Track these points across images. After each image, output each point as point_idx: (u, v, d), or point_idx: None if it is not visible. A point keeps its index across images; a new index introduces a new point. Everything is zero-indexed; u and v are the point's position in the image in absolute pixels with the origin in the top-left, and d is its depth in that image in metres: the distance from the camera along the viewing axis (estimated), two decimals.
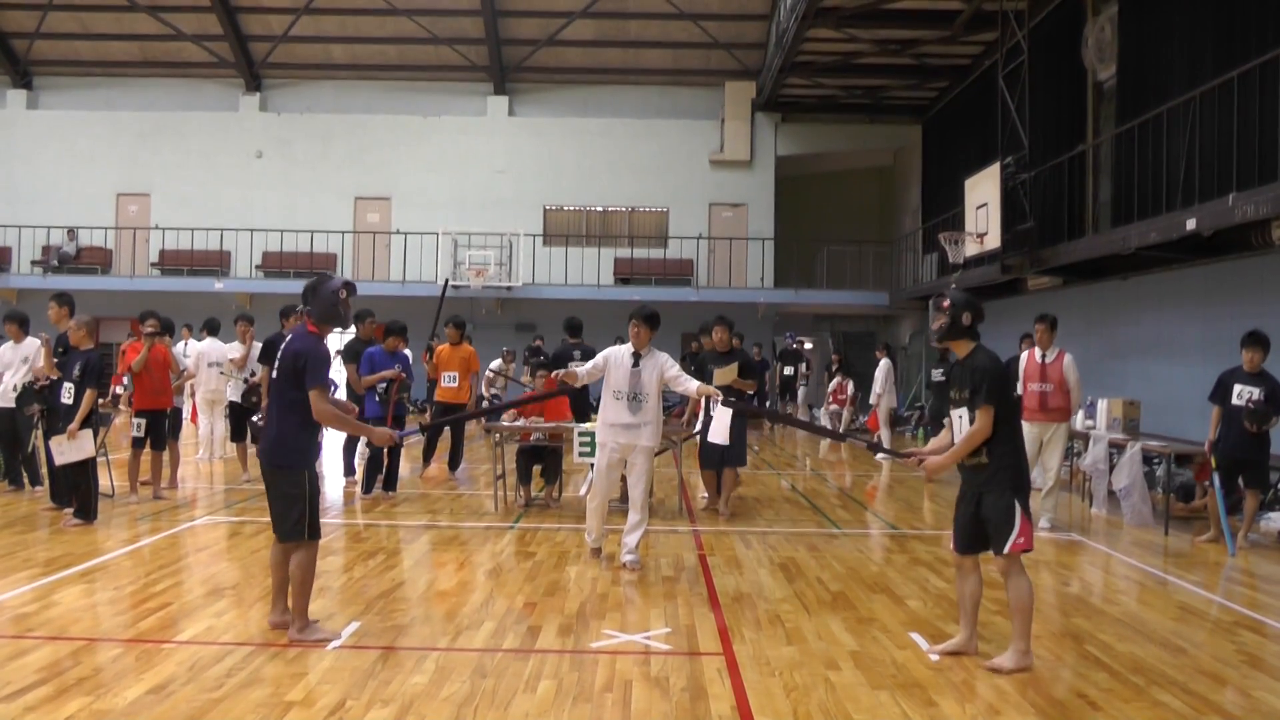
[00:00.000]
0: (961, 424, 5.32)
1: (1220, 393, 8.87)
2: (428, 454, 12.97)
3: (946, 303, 5.37)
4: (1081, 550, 8.72)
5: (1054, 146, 15.87)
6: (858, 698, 4.76)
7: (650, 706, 4.60)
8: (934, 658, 5.37)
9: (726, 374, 9.94)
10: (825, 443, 18.46)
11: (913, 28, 18.74)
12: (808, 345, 22.26)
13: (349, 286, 5.65)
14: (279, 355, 5.55)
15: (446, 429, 12.47)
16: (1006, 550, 5.17)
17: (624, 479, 7.97)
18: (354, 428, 5.73)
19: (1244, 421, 8.58)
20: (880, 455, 5.91)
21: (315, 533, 5.52)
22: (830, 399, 20.01)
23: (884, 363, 16.61)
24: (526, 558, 7.88)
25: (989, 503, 5.23)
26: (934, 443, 5.74)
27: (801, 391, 22.01)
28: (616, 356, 7.56)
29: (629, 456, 7.54)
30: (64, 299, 9.94)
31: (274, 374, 5.60)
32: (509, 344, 21.84)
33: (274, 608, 5.70)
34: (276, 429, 5.48)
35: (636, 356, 7.51)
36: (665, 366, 7.53)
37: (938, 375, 14.80)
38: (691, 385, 7.51)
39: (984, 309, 5.46)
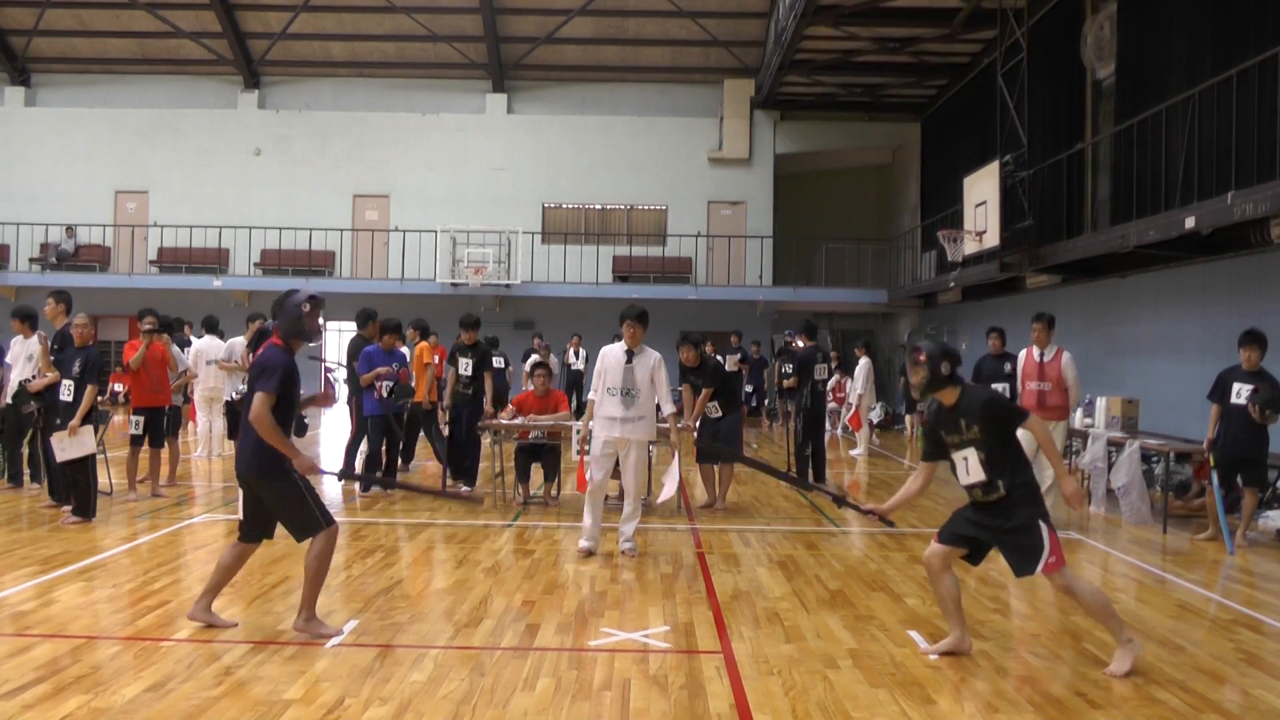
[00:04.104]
0: (968, 464, 5.24)
1: (1219, 391, 8.87)
2: (407, 456, 12.74)
3: (923, 356, 5.33)
4: (1080, 548, 8.73)
5: (1053, 144, 15.87)
6: (856, 696, 4.77)
7: (649, 704, 4.60)
8: (932, 657, 5.37)
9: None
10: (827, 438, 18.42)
11: (911, 25, 18.72)
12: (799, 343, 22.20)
13: (314, 300, 5.64)
14: (249, 370, 5.58)
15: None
16: (1040, 570, 5.11)
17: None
18: (280, 442, 5.42)
19: (1251, 409, 8.54)
20: (844, 507, 5.95)
21: (329, 518, 5.55)
22: (829, 397, 20.01)
23: (864, 362, 16.72)
24: (525, 556, 7.88)
25: (1013, 531, 5.17)
26: (900, 495, 5.63)
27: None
28: (611, 354, 7.85)
29: (622, 450, 7.77)
30: (61, 296, 9.98)
31: (246, 387, 5.61)
32: (507, 341, 21.83)
33: (200, 602, 5.69)
34: (256, 439, 5.45)
35: (630, 354, 7.78)
36: (657, 368, 7.84)
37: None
38: (667, 408, 7.90)
39: (959, 354, 5.50)
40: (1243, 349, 8.78)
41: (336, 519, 5.70)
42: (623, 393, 7.71)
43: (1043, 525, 5.13)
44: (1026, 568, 5.16)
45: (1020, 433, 5.44)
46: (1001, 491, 5.18)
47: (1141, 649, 5.28)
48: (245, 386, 11.54)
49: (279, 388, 5.40)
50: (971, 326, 20.45)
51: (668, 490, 7.93)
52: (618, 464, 7.95)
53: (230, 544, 5.74)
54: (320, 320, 5.74)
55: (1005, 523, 5.19)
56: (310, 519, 5.48)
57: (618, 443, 7.75)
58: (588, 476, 7.86)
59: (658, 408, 7.93)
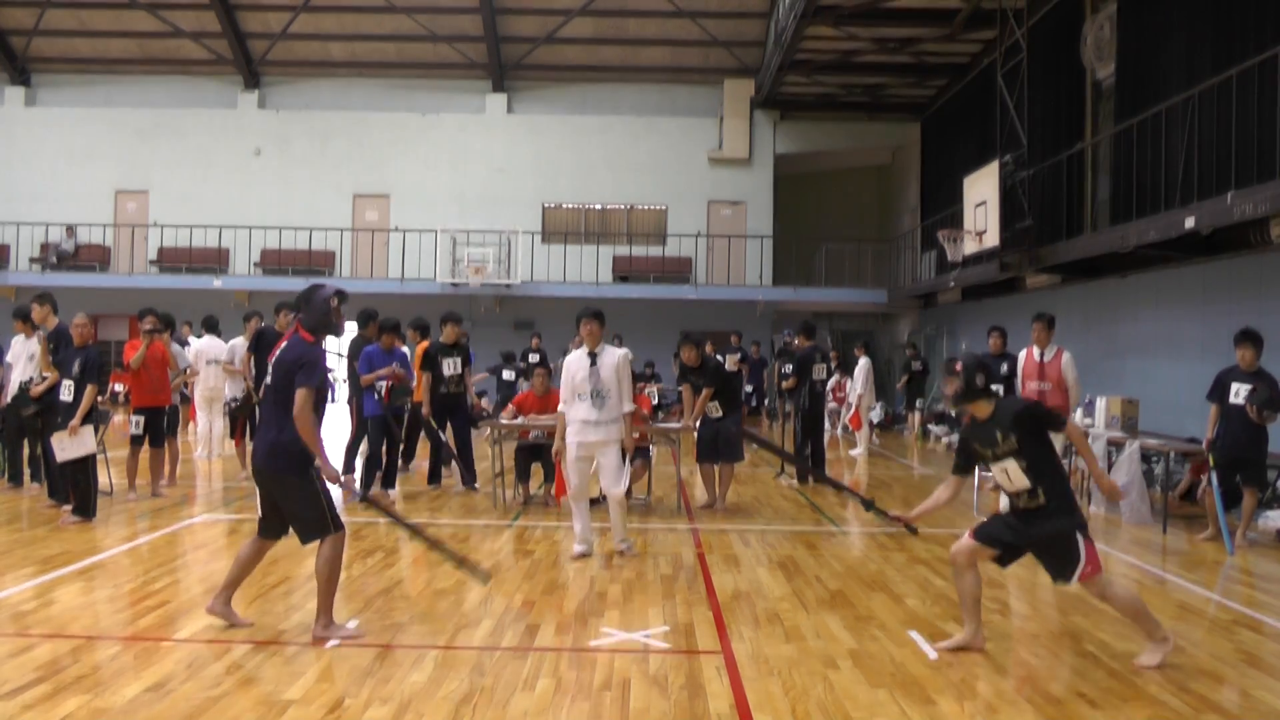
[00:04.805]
0: (1009, 475, 5.28)
1: (1218, 391, 8.88)
2: (407, 456, 12.71)
3: (959, 366, 5.44)
4: None
5: (1053, 145, 15.87)
6: (856, 696, 4.77)
7: (649, 705, 4.60)
8: (932, 655, 5.37)
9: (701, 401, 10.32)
10: (827, 438, 18.43)
11: (911, 26, 18.72)
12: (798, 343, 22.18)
13: (340, 294, 5.69)
14: (275, 362, 5.54)
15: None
16: (1075, 580, 5.19)
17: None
18: (314, 443, 5.46)
19: (1249, 409, 8.55)
20: (871, 512, 5.93)
21: (339, 524, 5.55)
22: (829, 397, 20.04)
23: (863, 361, 16.76)
24: (525, 556, 7.88)
25: (1051, 541, 5.23)
26: (928, 504, 5.69)
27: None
28: (575, 360, 7.81)
29: (597, 453, 7.74)
30: (45, 298, 10.09)
31: (268, 377, 5.58)
32: (506, 342, 21.84)
33: (219, 596, 5.69)
34: (275, 434, 5.45)
35: (593, 355, 7.73)
36: (621, 365, 7.79)
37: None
38: (627, 406, 7.79)
39: (993, 369, 5.58)
40: (1238, 349, 8.80)
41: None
42: (592, 395, 7.68)
43: (1079, 536, 5.18)
44: (1062, 576, 5.25)
45: None
46: (1041, 499, 5.24)
47: (1172, 646, 5.33)
48: (243, 392, 11.65)
49: (320, 383, 5.44)
50: (971, 326, 20.44)
51: (613, 484, 7.81)
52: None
53: (249, 539, 5.74)
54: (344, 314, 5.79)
55: (1041, 531, 5.25)
56: (320, 521, 5.48)
57: (594, 445, 7.71)
58: (567, 482, 7.87)
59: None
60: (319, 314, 5.61)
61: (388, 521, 9.24)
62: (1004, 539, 5.39)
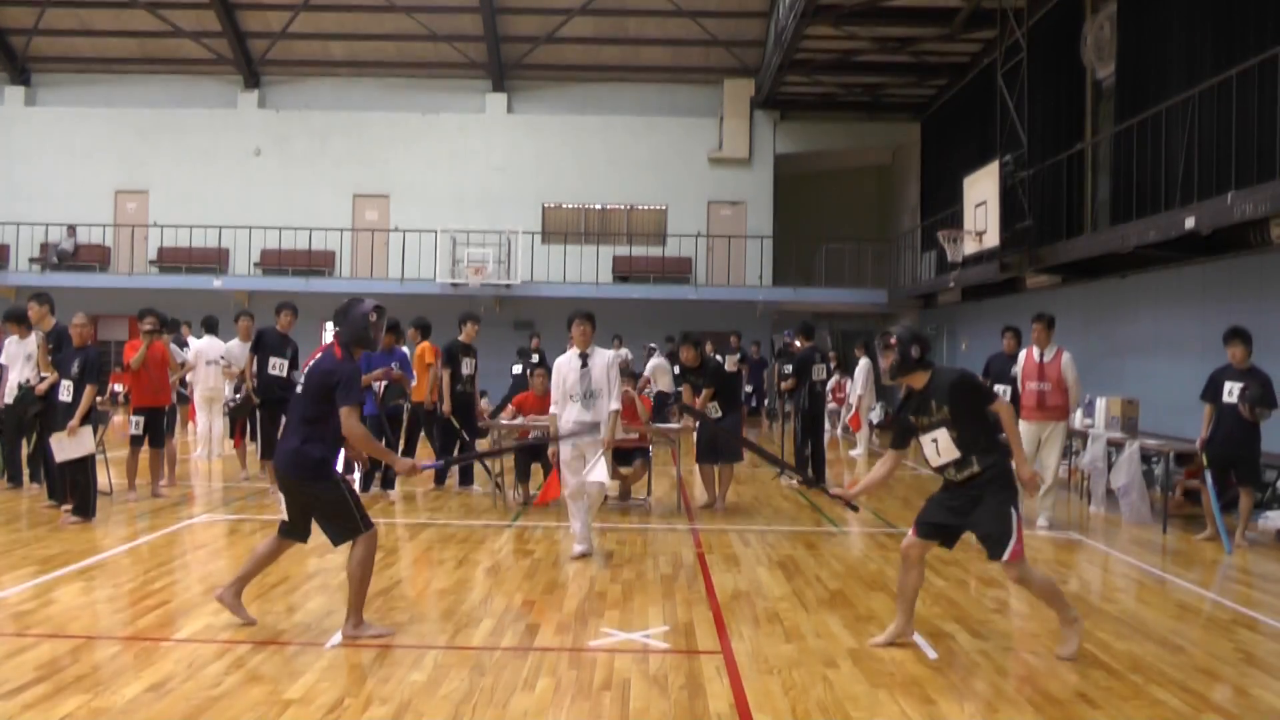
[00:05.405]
0: (938, 445, 5.33)
1: (1212, 390, 8.90)
2: (407, 455, 12.71)
3: (893, 339, 5.45)
4: (1080, 549, 8.73)
5: (1053, 145, 15.87)
6: (856, 696, 4.77)
7: (648, 705, 4.60)
8: (932, 655, 5.37)
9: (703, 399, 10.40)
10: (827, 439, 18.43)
11: (911, 25, 18.71)
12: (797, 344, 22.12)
13: (379, 310, 5.71)
14: (306, 374, 5.58)
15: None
16: (1006, 558, 5.21)
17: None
18: (380, 452, 5.75)
19: (1240, 406, 8.57)
20: (813, 489, 5.94)
21: (369, 523, 5.56)
22: (829, 397, 20.04)
23: (863, 362, 16.74)
24: (525, 556, 7.88)
25: (986, 511, 5.25)
26: (867, 480, 5.75)
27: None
28: (565, 363, 7.83)
29: (587, 452, 7.75)
30: (43, 298, 10.09)
31: (299, 390, 5.61)
32: (506, 342, 21.83)
33: (231, 586, 5.70)
34: (297, 443, 5.47)
35: (584, 357, 7.76)
36: (612, 366, 7.84)
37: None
38: (614, 404, 7.78)
39: (929, 340, 5.58)
40: (1228, 347, 8.84)
41: None
42: (583, 396, 7.71)
43: (1013, 513, 5.24)
44: (995, 552, 5.27)
45: (1023, 427, 5.52)
46: (975, 468, 5.27)
47: (1084, 625, 5.47)
48: (243, 393, 11.65)
49: (360, 397, 5.48)
50: (971, 327, 20.45)
51: (593, 477, 7.73)
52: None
53: (269, 536, 5.75)
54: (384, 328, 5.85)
55: (976, 505, 5.28)
56: (350, 524, 5.49)
57: (586, 445, 7.73)
58: (562, 482, 7.87)
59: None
60: (357, 328, 5.63)
61: (389, 519, 9.26)
62: (944, 523, 5.41)
